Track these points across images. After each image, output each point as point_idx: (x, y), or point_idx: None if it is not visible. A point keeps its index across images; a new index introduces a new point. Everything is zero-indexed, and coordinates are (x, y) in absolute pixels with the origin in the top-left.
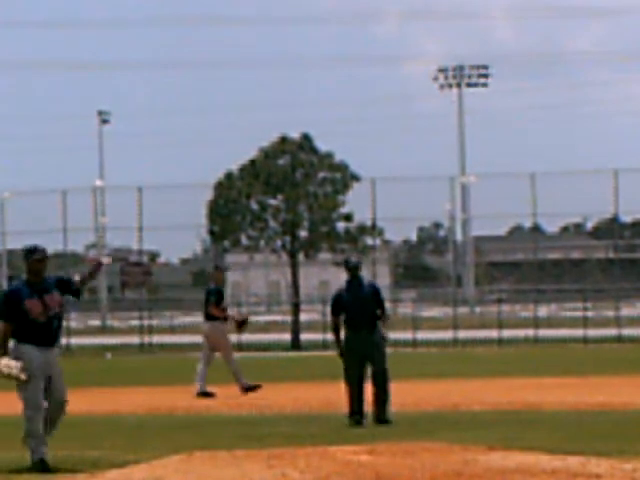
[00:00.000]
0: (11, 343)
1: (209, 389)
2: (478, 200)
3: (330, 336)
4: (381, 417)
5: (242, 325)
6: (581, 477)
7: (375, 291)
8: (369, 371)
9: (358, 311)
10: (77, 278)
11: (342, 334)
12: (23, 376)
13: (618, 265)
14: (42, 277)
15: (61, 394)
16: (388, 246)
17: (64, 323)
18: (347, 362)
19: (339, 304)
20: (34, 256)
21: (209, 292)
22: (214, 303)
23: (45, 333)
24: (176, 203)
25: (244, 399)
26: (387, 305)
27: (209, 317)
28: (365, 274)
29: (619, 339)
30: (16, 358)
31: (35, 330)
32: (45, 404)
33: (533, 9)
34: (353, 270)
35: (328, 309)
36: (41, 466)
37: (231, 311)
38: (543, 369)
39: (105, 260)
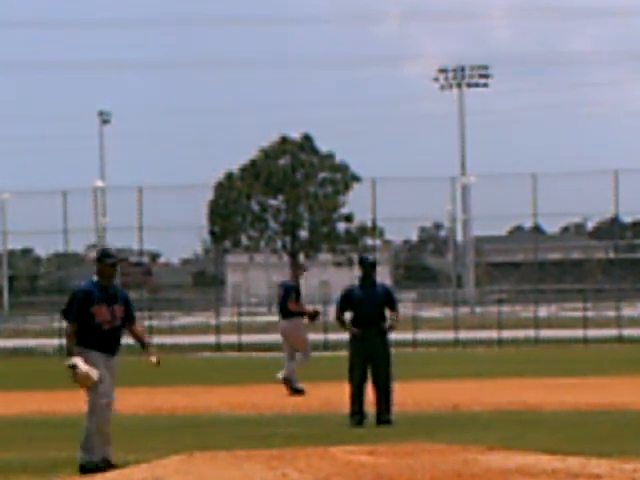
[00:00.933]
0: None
1: (300, 385)
2: (478, 200)
3: (331, 337)
4: (382, 417)
5: (314, 317)
6: (581, 477)
7: (387, 292)
8: (370, 371)
9: (368, 310)
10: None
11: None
12: (94, 379)
13: (618, 265)
14: (112, 282)
15: (109, 394)
16: (388, 246)
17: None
18: (352, 362)
19: (348, 301)
20: (107, 260)
21: (287, 289)
22: (294, 299)
23: (108, 340)
24: (177, 203)
25: (244, 400)
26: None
27: (286, 314)
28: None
29: (619, 339)
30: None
31: (98, 336)
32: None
33: (533, 9)
34: (369, 268)
35: (329, 309)
36: (91, 467)
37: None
38: (543, 369)
39: (153, 359)
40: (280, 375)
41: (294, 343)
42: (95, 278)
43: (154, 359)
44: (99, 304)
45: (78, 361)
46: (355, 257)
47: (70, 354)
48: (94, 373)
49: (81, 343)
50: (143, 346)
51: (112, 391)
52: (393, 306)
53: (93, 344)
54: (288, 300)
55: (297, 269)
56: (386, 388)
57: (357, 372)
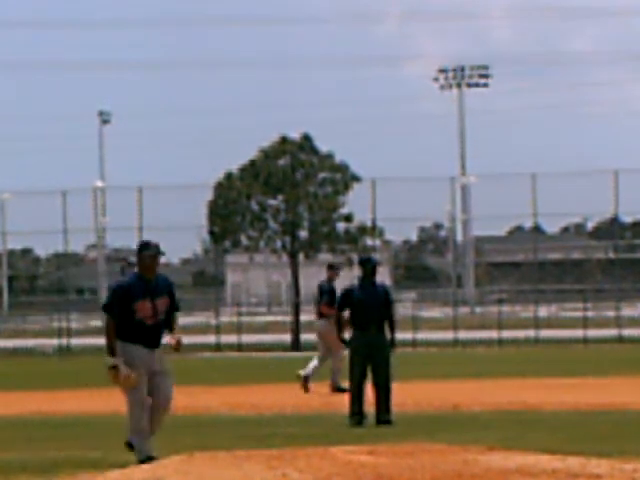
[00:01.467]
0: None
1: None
2: (478, 200)
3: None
4: (382, 418)
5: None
6: (581, 477)
7: (386, 293)
8: (370, 372)
9: (368, 311)
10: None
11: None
12: (134, 381)
13: (618, 265)
14: (154, 274)
15: (166, 393)
16: (388, 247)
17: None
18: (352, 362)
19: (347, 300)
20: (147, 251)
21: (322, 291)
22: (327, 302)
23: (151, 335)
24: (176, 203)
25: (244, 400)
26: (393, 307)
27: (322, 315)
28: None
29: (619, 339)
30: (123, 358)
31: (140, 331)
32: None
33: (533, 9)
34: (371, 269)
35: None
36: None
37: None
38: (543, 369)
39: (173, 342)
40: (302, 372)
41: (329, 343)
42: (137, 272)
43: (173, 342)
44: (141, 299)
45: (119, 363)
46: (355, 257)
47: (111, 352)
48: (134, 376)
49: (123, 337)
50: (170, 330)
51: (170, 392)
52: (389, 307)
53: (136, 339)
54: (321, 303)
55: (332, 271)
56: (386, 388)
57: (357, 372)
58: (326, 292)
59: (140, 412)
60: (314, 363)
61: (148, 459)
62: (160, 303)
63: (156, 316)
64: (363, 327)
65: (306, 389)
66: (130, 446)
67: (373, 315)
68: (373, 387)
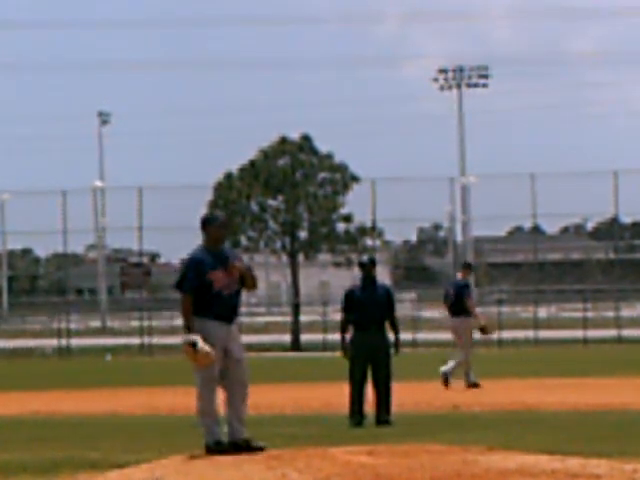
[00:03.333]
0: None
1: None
2: (478, 201)
3: (331, 337)
4: (382, 418)
5: (485, 331)
6: (581, 478)
7: (388, 294)
8: (370, 372)
9: (369, 311)
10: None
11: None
12: (213, 359)
13: (618, 266)
14: (222, 246)
15: (242, 380)
16: (388, 247)
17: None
18: (353, 362)
19: (350, 302)
20: (215, 223)
21: (461, 287)
22: (471, 296)
23: (228, 307)
24: (176, 204)
25: None
26: (395, 307)
27: (457, 312)
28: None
29: (619, 340)
30: (200, 334)
31: (218, 304)
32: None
33: (533, 10)
34: (369, 269)
35: (328, 309)
36: (217, 448)
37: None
38: (543, 370)
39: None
40: (444, 368)
41: (458, 340)
42: (203, 245)
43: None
44: (214, 270)
45: (198, 339)
46: (354, 258)
47: (188, 329)
48: (213, 353)
49: (199, 313)
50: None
51: (246, 371)
52: (391, 308)
53: (213, 313)
54: (465, 298)
55: (467, 269)
56: (386, 389)
57: (357, 372)
58: (466, 287)
59: (209, 393)
60: (463, 362)
61: (217, 444)
62: (233, 272)
63: (232, 285)
64: (364, 327)
65: (471, 385)
66: (210, 450)
67: (373, 315)
68: (373, 387)
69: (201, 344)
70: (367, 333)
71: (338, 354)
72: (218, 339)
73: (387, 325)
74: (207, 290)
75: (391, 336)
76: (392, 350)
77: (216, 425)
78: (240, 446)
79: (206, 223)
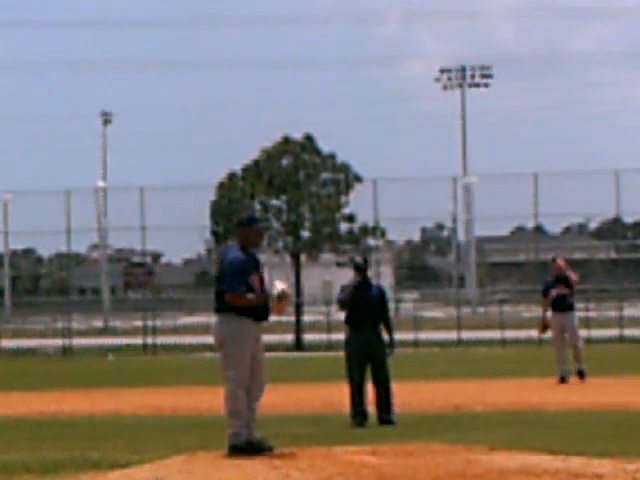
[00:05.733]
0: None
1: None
2: (480, 201)
3: (334, 337)
4: (384, 418)
5: (544, 330)
6: (583, 478)
7: (381, 293)
8: (369, 372)
9: (362, 310)
10: None
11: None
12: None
13: (621, 265)
14: (256, 249)
15: (261, 380)
16: (391, 247)
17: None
18: (349, 362)
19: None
20: (257, 224)
21: (563, 280)
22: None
23: (262, 308)
24: (179, 204)
25: None
26: (390, 305)
27: (561, 308)
28: (369, 275)
29: (621, 339)
30: (233, 329)
31: (254, 306)
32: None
33: (535, 10)
34: (360, 270)
35: (331, 309)
36: (248, 448)
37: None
38: (546, 369)
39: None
40: (580, 366)
41: (566, 336)
42: (239, 245)
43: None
44: (251, 273)
45: (278, 286)
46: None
47: (264, 298)
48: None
49: (236, 310)
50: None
51: (265, 372)
52: (385, 308)
53: (249, 312)
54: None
55: (554, 263)
56: (385, 387)
57: (356, 372)
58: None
59: (242, 393)
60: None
61: (249, 444)
62: (262, 276)
63: (263, 288)
64: (359, 327)
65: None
66: (237, 450)
67: (368, 315)
68: (373, 387)
69: (280, 288)
70: (362, 332)
71: (341, 354)
72: (251, 338)
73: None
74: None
75: (386, 336)
76: (387, 350)
77: (245, 427)
78: (254, 446)
79: (249, 223)
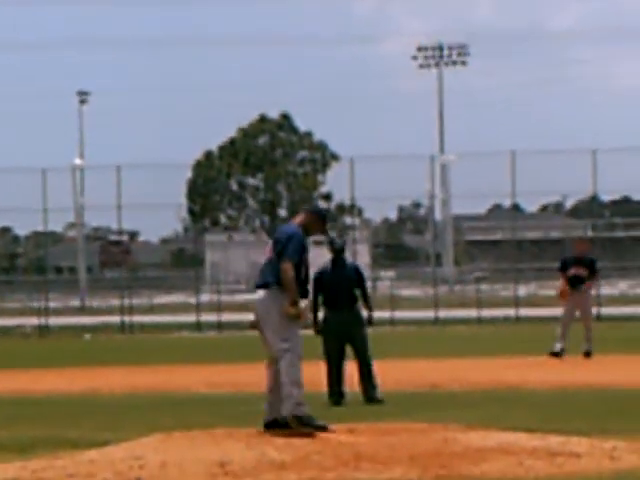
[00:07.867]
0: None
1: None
2: (457, 179)
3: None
4: (371, 395)
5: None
6: (561, 456)
7: (357, 271)
8: (349, 350)
9: (338, 290)
10: None
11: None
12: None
13: (597, 244)
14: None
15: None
16: (367, 225)
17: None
18: (326, 341)
19: (320, 284)
20: (326, 220)
21: (591, 262)
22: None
23: (303, 287)
24: (156, 182)
25: (223, 378)
26: (366, 284)
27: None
28: (345, 254)
29: (599, 318)
30: (284, 301)
31: (301, 282)
32: None
33: None
34: (338, 252)
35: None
36: (309, 421)
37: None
38: (524, 348)
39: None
40: (587, 347)
41: (580, 313)
42: (301, 228)
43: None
44: (306, 253)
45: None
46: (335, 236)
47: (295, 301)
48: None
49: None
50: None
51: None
52: (362, 285)
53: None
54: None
55: (579, 241)
56: (367, 366)
57: (333, 351)
58: (594, 262)
59: (300, 362)
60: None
61: (309, 418)
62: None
63: (308, 274)
64: (335, 306)
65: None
66: (299, 419)
67: (344, 294)
68: (356, 366)
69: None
70: (339, 312)
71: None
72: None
73: (361, 303)
74: (298, 268)
75: (365, 313)
76: (366, 327)
77: (277, 402)
78: (280, 423)
79: (323, 216)
